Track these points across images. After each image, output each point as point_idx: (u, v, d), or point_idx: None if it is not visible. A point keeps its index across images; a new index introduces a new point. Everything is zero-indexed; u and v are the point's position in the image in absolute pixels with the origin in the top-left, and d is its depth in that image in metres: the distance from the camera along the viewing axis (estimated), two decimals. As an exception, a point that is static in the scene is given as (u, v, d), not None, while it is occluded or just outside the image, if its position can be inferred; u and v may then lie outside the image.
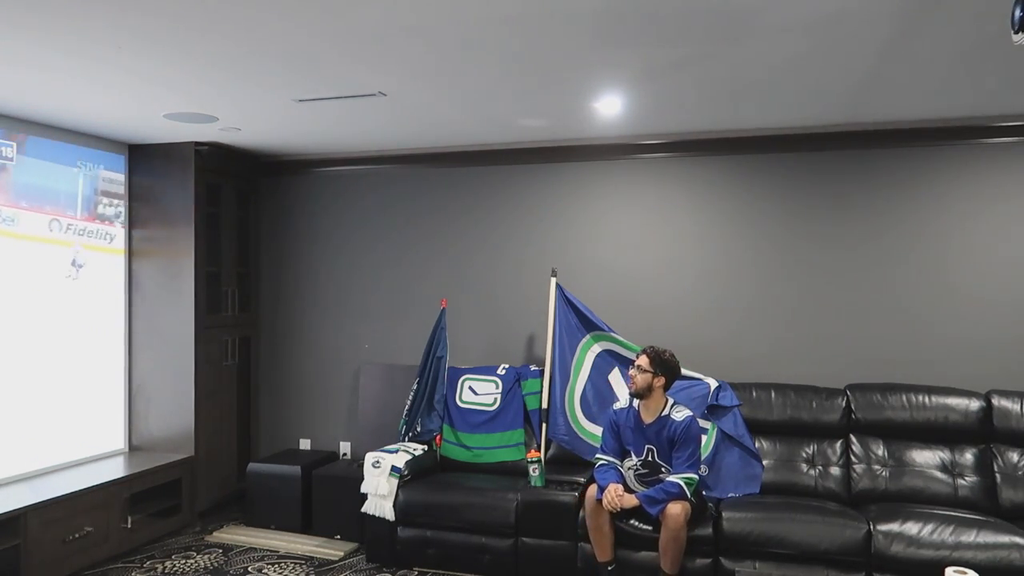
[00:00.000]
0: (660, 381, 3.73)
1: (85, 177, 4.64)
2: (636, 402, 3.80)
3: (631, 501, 3.61)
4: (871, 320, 4.40)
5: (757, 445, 4.17)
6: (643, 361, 3.75)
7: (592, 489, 3.69)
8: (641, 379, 3.73)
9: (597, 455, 3.91)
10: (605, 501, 3.59)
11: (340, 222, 5.40)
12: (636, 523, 3.67)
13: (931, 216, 4.33)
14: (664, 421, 3.71)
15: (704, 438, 4.12)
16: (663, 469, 3.71)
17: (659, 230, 4.77)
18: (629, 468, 3.81)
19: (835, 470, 4.08)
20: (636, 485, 3.76)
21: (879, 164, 4.39)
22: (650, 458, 3.75)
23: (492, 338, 5.04)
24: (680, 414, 3.70)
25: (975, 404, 3.96)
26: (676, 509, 3.48)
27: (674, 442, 3.66)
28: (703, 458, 4.06)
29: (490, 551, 4.00)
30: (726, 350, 4.58)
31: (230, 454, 5.23)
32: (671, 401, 3.78)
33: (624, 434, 3.83)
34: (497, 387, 4.70)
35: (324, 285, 5.44)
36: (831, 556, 3.49)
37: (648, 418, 3.76)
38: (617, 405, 3.93)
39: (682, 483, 3.55)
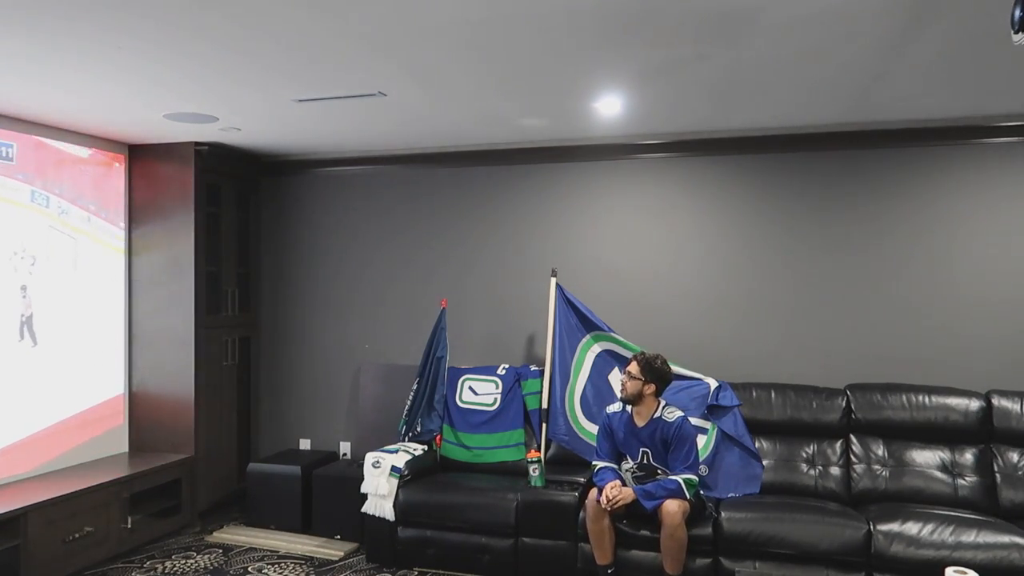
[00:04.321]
0: (650, 388, 3.75)
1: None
2: (629, 406, 3.82)
3: (628, 494, 3.61)
4: (871, 320, 4.40)
5: (757, 445, 4.17)
6: (633, 368, 3.78)
7: (593, 492, 3.70)
8: (631, 386, 3.75)
9: (594, 461, 3.92)
10: (603, 496, 3.59)
11: (340, 222, 5.40)
12: (636, 531, 3.67)
13: (931, 216, 4.33)
14: (656, 423, 3.72)
15: (704, 438, 4.13)
16: (659, 471, 3.71)
17: (659, 230, 4.77)
18: (626, 471, 3.82)
19: (835, 470, 4.08)
20: (634, 488, 3.76)
21: (879, 164, 4.39)
22: (645, 460, 3.75)
23: (492, 338, 5.04)
24: (672, 415, 3.71)
25: (975, 404, 3.96)
26: (673, 507, 3.49)
27: (668, 444, 3.67)
28: (703, 458, 4.06)
29: (490, 551, 4.00)
30: (726, 350, 4.58)
31: (230, 454, 5.23)
32: (663, 403, 3.79)
33: (618, 437, 3.84)
34: (497, 387, 4.70)
35: (324, 285, 5.44)
36: (831, 556, 3.48)
37: (641, 422, 3.77)
38: (611, 408, 3.94)
39: (681, 482, 3.56)
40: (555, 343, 4.51)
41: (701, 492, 3.79)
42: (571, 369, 4.50)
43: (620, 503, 3.58)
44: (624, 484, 3.74)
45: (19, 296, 4.24)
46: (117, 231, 4.88)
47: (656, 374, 3.75)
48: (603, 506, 3.59)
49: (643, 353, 3.87)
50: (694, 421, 4.07)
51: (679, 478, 3.57)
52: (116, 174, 4.87)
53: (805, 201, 4.52)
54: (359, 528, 4.39)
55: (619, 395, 3.88)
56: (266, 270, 5.58)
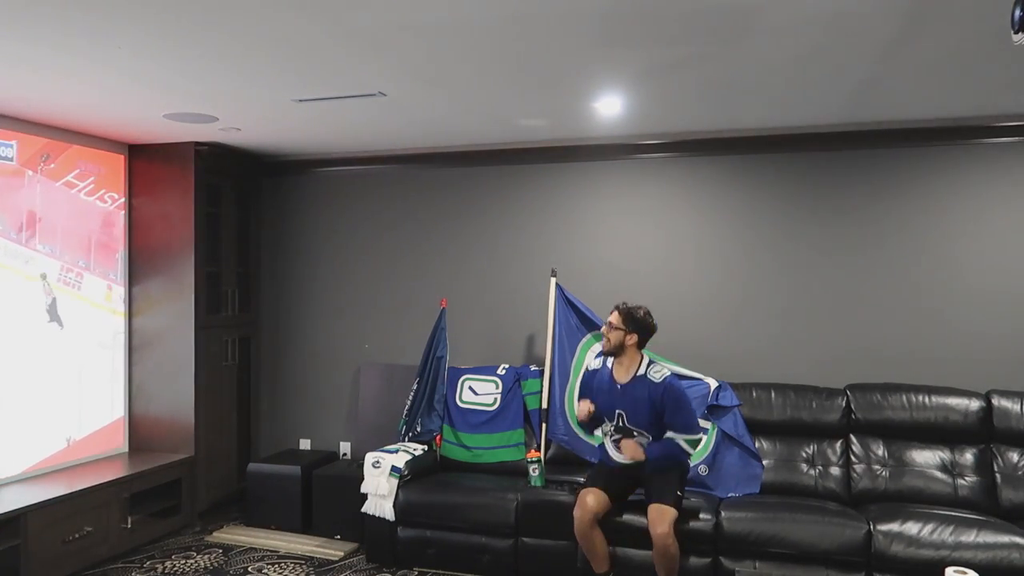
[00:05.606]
0: (632, 338, 3.63)
1: None
2: (610, 362, 3.72)
3: (638, 453, 3.55)
4: (871, 320, 4.40)
5: (757, 445, 4.17)
6: (614, 318, 3.66)
7: (580, 505, 3.57)
8: (614, 336, 3.64)
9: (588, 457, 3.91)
10: (578, 409, 3.72)
11: (340, 222, 5.40)
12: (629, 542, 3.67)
13: (931, 216, 4.33)
14: (641, 382, 3.60)
15: (703, 437, 4.13)
16: (635, 433, 3.62)
17: (659, 230, 4.77)
18: (605, 434, 3.75)
19: (835, 470, 4.08)
20: (614, 452, 3.69)
21: (879, 164, 4.39)
22: (621, 423, 3.65)
23: (492, 338, 5.04)
24: (658, 374, 3.57)
25: (975, 404, 3.96)
26: (662, 526, 3.37)
27: (657, 407, 3.54)
28: (703, 458, 4.07)
29: (490, 551, 4.00)
30: (726, 350, 4.58)
31: (230, 454, 5.23)
32: (647, 359, 3.67)
33: (596, 398, 3.73)
34: (497, 387, 4.70)
35: (324, 285, 5.44)
36: (831, 556, 3.49)
37: (622, 378, 3.65)
38: (592, 364, 3.86)
39: (682, 442, 3.51)
40: (555, 343, 4.52)
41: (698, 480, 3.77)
42: (571, 369, 4.49)
43: (633, 460, 3.57)
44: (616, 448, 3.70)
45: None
46: (25, 251, 4.26)
47: (638, 323, 3.63)
48: (579, 418, 3.73)
49: (624, 303, 3.72)
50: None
51: (680, 438, 3.51)
52: (19, 185, 4.17)
53: (805, 201, 4.52)
54: (359, 528, 4.38)
55: (602, 347, 3.76)
56: (266, 270, 5.58)
